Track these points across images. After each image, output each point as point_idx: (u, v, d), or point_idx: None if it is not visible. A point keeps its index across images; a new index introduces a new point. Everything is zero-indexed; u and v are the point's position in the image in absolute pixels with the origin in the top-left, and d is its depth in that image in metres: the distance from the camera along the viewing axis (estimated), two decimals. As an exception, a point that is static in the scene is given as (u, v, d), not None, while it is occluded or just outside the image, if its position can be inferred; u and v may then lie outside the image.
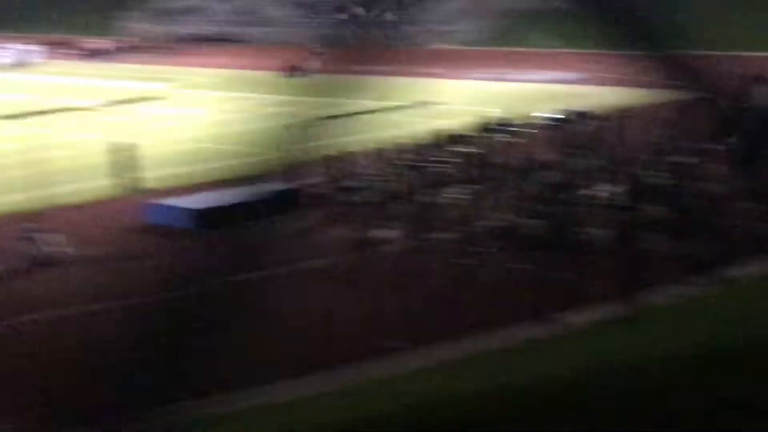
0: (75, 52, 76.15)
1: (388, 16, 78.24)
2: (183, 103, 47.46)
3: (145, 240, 26.28)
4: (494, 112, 36.88)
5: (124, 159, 31.71)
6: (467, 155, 30.09)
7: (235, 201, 30.32)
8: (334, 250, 23.81)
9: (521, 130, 35.01)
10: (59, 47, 78.69)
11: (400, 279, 22.02)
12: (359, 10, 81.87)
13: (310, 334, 19.15)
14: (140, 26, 78.31)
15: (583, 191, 25.43)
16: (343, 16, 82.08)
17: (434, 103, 34.56)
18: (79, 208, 29.46)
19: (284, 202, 29.61)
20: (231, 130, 41.63)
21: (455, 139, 31.92)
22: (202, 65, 66.47)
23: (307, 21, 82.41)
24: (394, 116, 35.37)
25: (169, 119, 43.98)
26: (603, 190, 25.30)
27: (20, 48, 71.63)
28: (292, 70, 59.98)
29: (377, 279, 21.96)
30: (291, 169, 29.24)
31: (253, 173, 32.15)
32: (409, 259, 23.20)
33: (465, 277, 21.86)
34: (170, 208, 27.62)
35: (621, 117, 35.18)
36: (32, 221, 24.79)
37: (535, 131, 35.35)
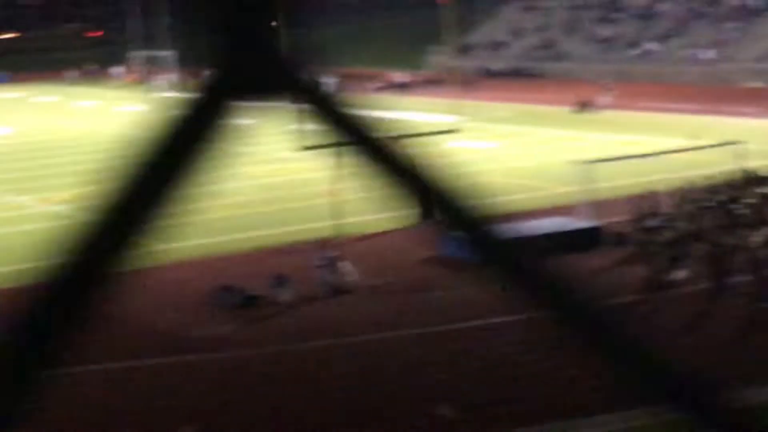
0: (371, 84, 78.10)
1: (702, 54, 76.32)
2: (477, 136, 47.78)
3: (434, 271, 26.49)
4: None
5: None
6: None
7: (527, 235, 30.19)
8: (628, 290, 23.29)
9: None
10: (355, 80, 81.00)
11: (693, 322, 21.31)
12: (653, 45, 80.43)
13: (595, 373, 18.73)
14: (442, 60, 79.58)
15: None
16: (638, 51, 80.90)
17: (740, 143, 33.37)
18: (373, 237, 30.03)
19: (583, 240, 29.46)
20: (524, 164, 41.60)
21: (758, 180, 30.75)
22: (499, 99, 66.84)
23: (602, 56, 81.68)
24: (698, 155, 34.42)
25: (463, 152, 44.34)
26: None
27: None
28: (584, 105, 59.52)
29: (670, 321, 21.30)
30: (591, 206, 29.06)
31: (547, 209, 32.06)
32: (705, 302, 22.44)
33: (762, 324, 20.94)
34: (459, 240, 27.67)
35: None
36: (331, 249, 25.44)
37: None
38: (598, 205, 29.39)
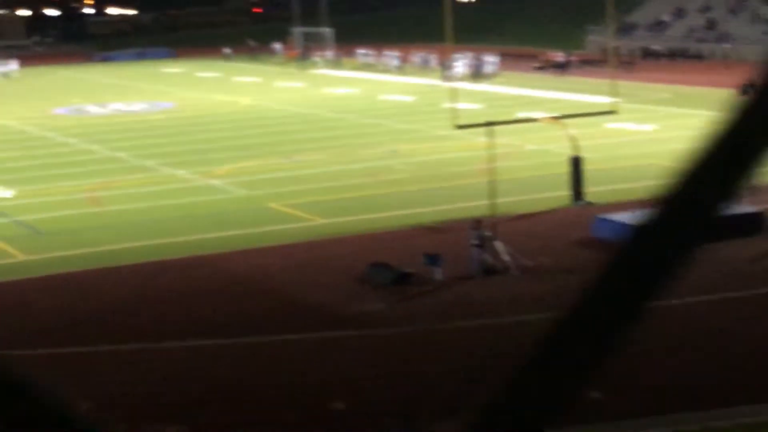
0: (529, 63, 77.59)
1: None
2: (634, 118, 47.07)
3: (587, 253, 26.23)
4: None
5: (574, 172, 31.85)
6: None
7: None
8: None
9: None
10: (514, 58, 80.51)
11: None
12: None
13: (751, 360, 18.37)
14: (602, 39, 78.52)
15: None
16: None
17: None
18: (527, 217, 29.90)
19: (745, 225, 28.71)
20: (680, 147, 40.82)
21: None
22: (659, 80, 65.71)
23: (766, 37, 79.50)
24: None
25: (619, 134, 43.76)
26: None
27: (476, 57, 73.83)
28: (748, 87, 58.01)
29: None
30: (753, 192, 28.30)
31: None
32: None
33: None
34: (614, 222, 27.40)
35: None
36: (485, 228, 25.40)
37: None
38: (761, 191, 28.70)
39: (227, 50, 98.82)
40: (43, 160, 43.89)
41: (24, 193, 36.43)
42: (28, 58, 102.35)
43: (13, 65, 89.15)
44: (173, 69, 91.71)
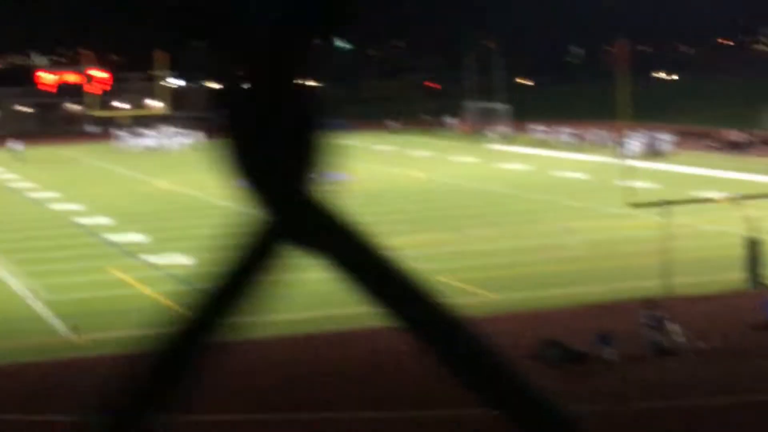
0: (705, 142, 76.29)
1: None
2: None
3: (763, 338, 25.58)
4: None
5: (751, 254, 31.16)
6: None
7: None
8: None
9: None
10: (689, 136, 79.31)
11: None
12: None
13: None
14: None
15: None
16: None
17: None
18: (702, 299, 29.32)
19: None
20: None
21: None
22: None
23: None
24: None
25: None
26: None
27: (652, 136, 72.96)
28: None
29: None
30: None
31: None
32: None
33: None
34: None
35: None
36: (658, 308, 25.03)
37: None
38: None
39: (394, 123, 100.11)
40: (215, 229, 44.95)
41: (200, 261, 37.39)
42: (212, 129, 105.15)
43: (198, 136, 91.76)
44: (347, 140, 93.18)
